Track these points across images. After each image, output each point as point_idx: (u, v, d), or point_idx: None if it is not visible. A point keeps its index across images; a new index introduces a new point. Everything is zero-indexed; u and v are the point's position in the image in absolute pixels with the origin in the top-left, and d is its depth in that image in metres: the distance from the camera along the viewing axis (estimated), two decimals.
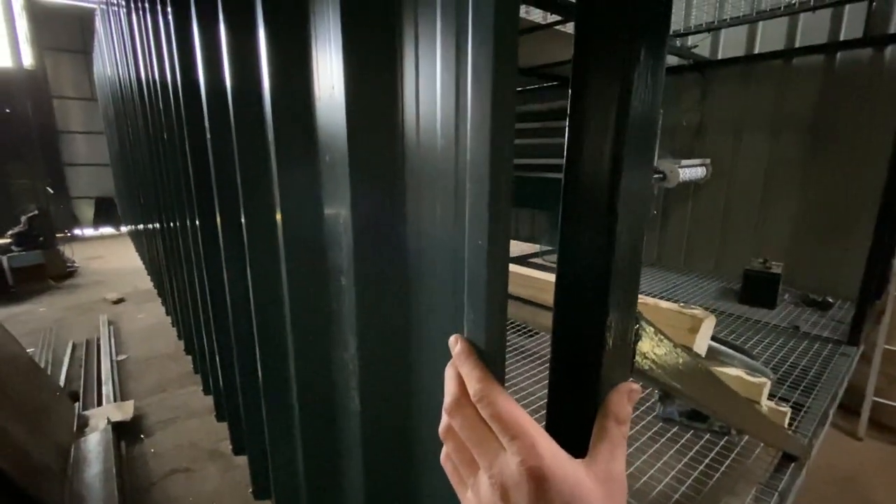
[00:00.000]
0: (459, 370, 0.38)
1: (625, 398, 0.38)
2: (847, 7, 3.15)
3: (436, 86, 0.52)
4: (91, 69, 9.97)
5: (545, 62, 4.18)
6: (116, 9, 3.55)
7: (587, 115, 0.38)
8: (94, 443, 2.88)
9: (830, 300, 3.09)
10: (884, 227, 2.47)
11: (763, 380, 1.00)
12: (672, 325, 0.63)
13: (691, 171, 3.50)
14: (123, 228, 10.16)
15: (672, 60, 3.95)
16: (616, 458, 0.36)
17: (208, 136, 1.37)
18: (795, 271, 3.36)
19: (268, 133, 0.95)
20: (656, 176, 3.33)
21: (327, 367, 0.84)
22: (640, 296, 0.69)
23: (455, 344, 0.40)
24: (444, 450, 0.40)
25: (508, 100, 0.37)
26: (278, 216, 0.94)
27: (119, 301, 6.05)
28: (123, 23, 3.20)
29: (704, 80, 3.82)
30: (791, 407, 1.82)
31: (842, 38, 3.22)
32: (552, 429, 0.43)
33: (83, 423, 3.19)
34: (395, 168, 0.62)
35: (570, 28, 3.40)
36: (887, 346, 3.07)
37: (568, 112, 0.40)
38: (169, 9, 1.63)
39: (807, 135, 3.34)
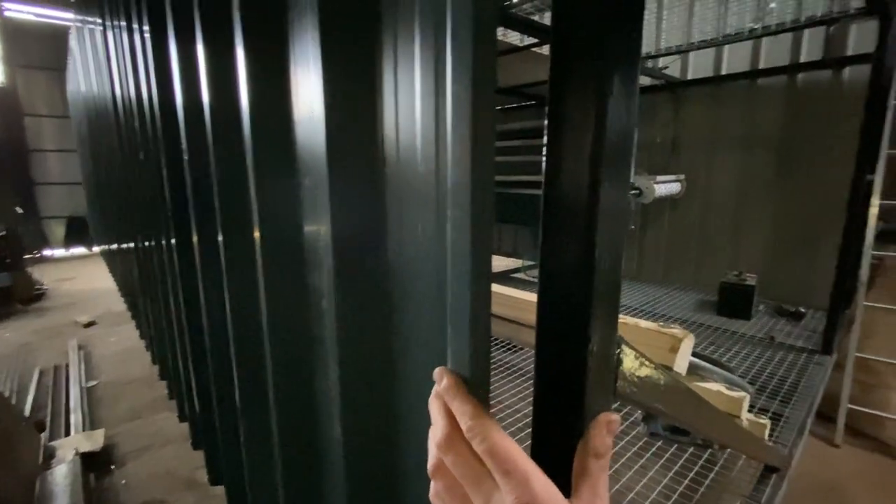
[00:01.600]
0: (449, 405, 0.38)
1: (604, 430, 0.38)
2: (806, 32, 3.33)
3: (415, 111, 0.53)
4: (64, 86, 9.78)
5: (523, 82, 4.27)
6: (92, 27, 3.50)
7: (564, 138, 0.39)
8: (61, 475, 2.74)
9: (803, 310, 3.18)
10: (849, 238, 2.57)
11: (742, 394, 1.01)
12: (652, 345, 0.64)
13: (667, 186, 3.60)
14: (96, 248, 9.86)
15: (645, 81, 4.09)
16: (599, 494, 0.36)
17: (185, 155, 1.35)
18: (769, 283, 3.45)
19: (246, 153, 0.94)
20: (633, 192, 3.40)
21: (308, 393, 0.82)
22: (620, 315, 0.69)
23: (441, 377, 0.39)
24: (433, 486, 0.38)
25: (487, 127, 0.37)
26: (256, 236, 0.92)
27: (90, 324, 5.82)
28: (98, 40, 3.16)
29: (676, 99, 3.96)
30: (770, 418, 1.85)
31: (802, 60, 3.39)
32: (538, 456, 0.42)
33: (49, 455, 3.02)
34: (377, 190, 0.62)
35: (546, 50, 3.50)
36: (859, 354, 3.16)
37: (545, 136, 0.40)
38: (145, 27, 1.61)
39: (774, 151, 3.48)
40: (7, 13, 9.88)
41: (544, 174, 0.40)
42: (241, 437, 1.14)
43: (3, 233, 6.64)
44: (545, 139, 0.40)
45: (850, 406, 3.20)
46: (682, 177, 3.84)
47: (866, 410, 3.20)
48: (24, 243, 7.58)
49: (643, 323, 0.65)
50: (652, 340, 0.62)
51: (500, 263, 5.44)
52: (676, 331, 0.63)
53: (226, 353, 1.19)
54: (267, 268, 0.89)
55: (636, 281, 4.30)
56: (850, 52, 3.20)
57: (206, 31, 1.04)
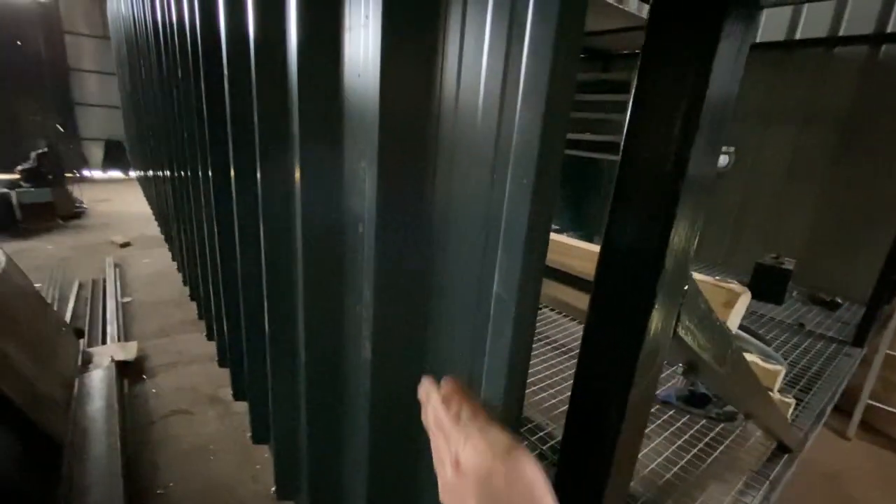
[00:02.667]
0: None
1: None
2: None
3: (482, 63, 0.47)
4: (104, 5, 9.70)
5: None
6: None
7: (657, 92, 0.34)
8: (98, 378, 2.95)
9: (839, 301, 3.06)
10: None
11: (778, 367, 0.98)
12: (706, 299, 0.61)
13: None
14: (132, 173, 10.13)
15: None
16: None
17: (227, 87, 1.32)
18: (807, 269, 3.31)
19: (291, 92, 0.90)
20: None
21: (338, 315, 0.83)
22: None
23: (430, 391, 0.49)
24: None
25: (568, 79, 0.33)
26: (297, 175, 0.91)
27: (126, 245, 6.09)
28: None
29: None
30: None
31: (889, 31, 3.06)
32: (577, 400, 0.41)
33: (87, 360, 3.25)
34: (428, 128, 0.58)
35: None
36: (889, 352, 3.06)
37: (634, 87, 0.36)
38: None
39: (838, 131, 3.23)
40: None
41: (626, 130, 0.36)
42: (267, 355, 1.19)
43: (45, 149, 6.84)
44: (631, 100, 0.36)
45: (868, 402, 3.15)
46: (730, 149, 3.62)
47: (885, 408, 3.14)
48: (64, 162, 7.83)
49: (698, 276, 0.61)
50: (706, 294, 0.59)
51: None
52: (734, 286, 0.60)
53: (257, 276, 1.21)
54: (305, 199, 0.88)
55: None
56: None
57: None
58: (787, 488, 2.52)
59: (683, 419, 1.69)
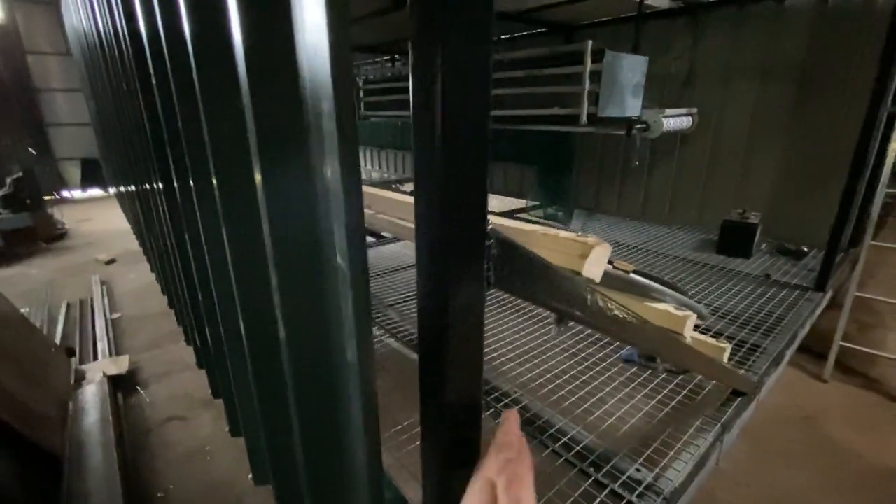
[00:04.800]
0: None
1: (506, 426, 0.46)
2: None
3: (323, 37, 0.50)
4: (63, 21, 9.51)
5: (533, 6, 3.97)
6: None
7: (422, 70, 0.39)
8: (91, 393, 3.01)
9: (805, 249, 3.13)
10: (857, 173, 2.47)
11: (687, 313, 1.04)
12: (565, 252, 0.66)
13: (676, 120, 3.44)
14: (111, 190, 10.05)
15: (663, 3, 3.78)
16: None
17: (157, 94, 1.34)
18: (774, 221, 3.38)
19: (197, 90, 0.92)
20: (639, 126, 3.27)
21: (269, 307, 0.87)
22: (542, 226, 0.71)
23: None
24: None
25: (344, 47, 0.37)
26: (214, 181, 0.94)
27: (110, 262, 6.09)
28: None
29: (696, 24, 3.68)
30: (749, 348, 1.90)
31: None
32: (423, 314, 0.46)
33: (80, 377, 3.30)
34: (295, 119, 0.61)
35: None
36: (858, 294, 3.15)
37: (411, 64, 0.40)
38: None
39: (795, 82, 3.26)
40: None
41: (412, 98, 0.41)
42: (226, 356, 1.24)
43: (20, 174, 6.78)
44: (411, 75, 0.40)
45: (842, 343, 3.24)
46: (693, 110, 3.65)
47: (858, 348, 3.23)
48: (41, 184, 7.76)
49: (563, 233, 0.67)
50: (565, 248, 0.64)
51: (503, 203, 5.40)
52: (589, 239, 0.65)
53: (208, 285, 1.26)
54: (227, 214, 0.92)
55: (640, 220, 4.25)
56: None
57: None
58: (763, 432, 2.61)
59: (645, 375, 1.77)
